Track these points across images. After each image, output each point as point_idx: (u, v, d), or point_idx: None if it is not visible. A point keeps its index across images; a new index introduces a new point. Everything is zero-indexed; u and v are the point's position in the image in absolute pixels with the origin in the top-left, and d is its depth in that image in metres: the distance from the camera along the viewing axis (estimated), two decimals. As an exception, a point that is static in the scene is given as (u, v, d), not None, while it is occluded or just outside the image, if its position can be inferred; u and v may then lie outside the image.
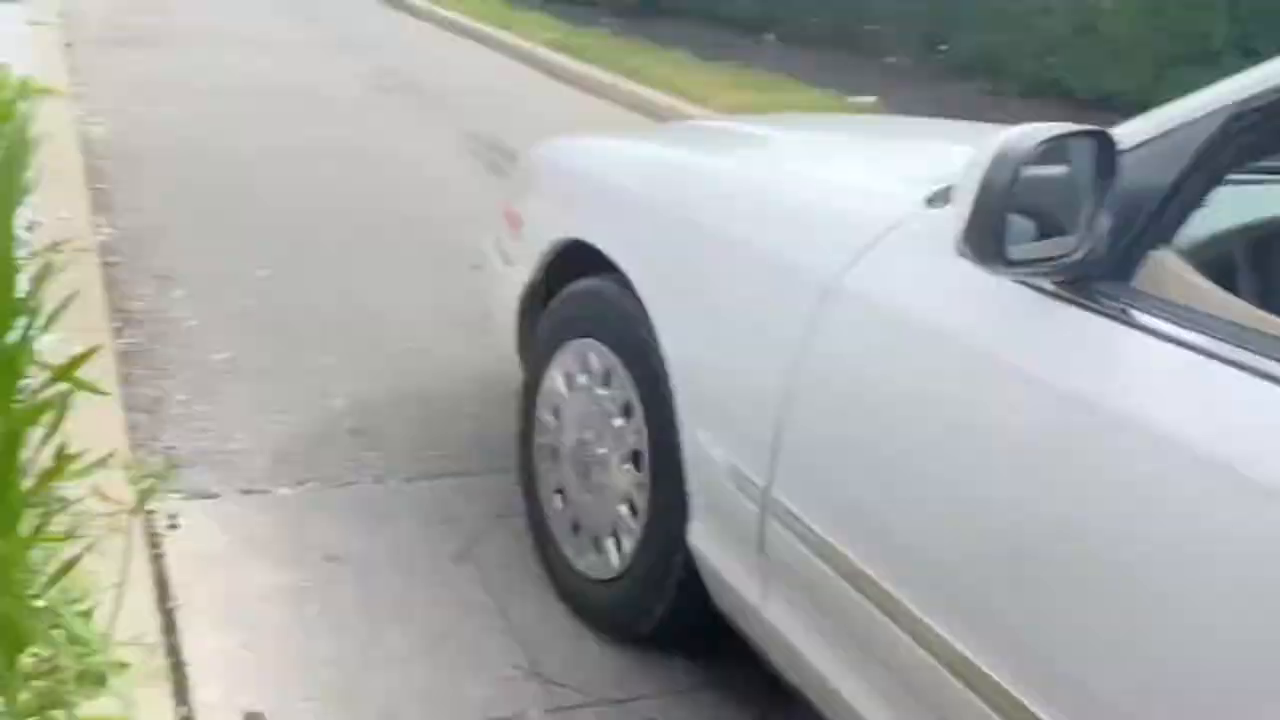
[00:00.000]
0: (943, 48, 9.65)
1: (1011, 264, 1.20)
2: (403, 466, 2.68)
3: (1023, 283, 1.29)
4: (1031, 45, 8.66)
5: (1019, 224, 1.26)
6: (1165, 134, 1.20)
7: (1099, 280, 1.22)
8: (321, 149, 5.81)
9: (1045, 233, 1.28)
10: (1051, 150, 1.20)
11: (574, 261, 2.22)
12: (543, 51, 9.81)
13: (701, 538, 1.82)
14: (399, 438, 2.82)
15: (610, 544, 2.07)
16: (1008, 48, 8.93)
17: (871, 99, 8.20)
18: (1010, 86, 8.73)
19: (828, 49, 10.43)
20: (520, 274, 2.44)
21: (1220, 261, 1.39)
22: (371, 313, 3.62)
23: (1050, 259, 1.21)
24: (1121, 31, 7.94)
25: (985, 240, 1.17)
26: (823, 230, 1.66)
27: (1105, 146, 1.20)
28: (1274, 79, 1.13)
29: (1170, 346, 1.14)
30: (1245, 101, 1.14)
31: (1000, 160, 1.15)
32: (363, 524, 2.43)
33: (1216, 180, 1.22)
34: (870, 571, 1.41)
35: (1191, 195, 1.21)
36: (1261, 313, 1.15)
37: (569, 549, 2.20)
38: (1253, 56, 1.16)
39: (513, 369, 2.53)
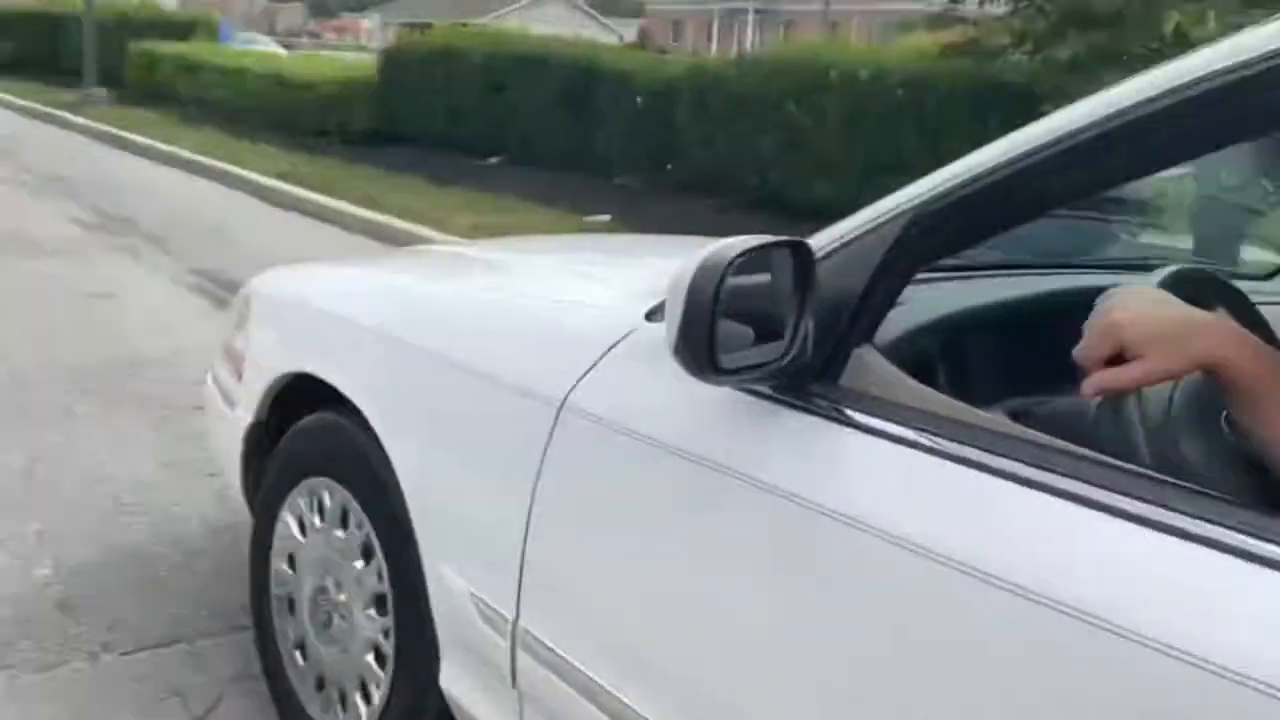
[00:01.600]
0: (669, 167, 10.11)
1: (724, 372, 1.22)
2: (121, 639, 2.43)
3: (744, 390, 1.31)
4: (751, 162, 9.20)
5: (738, 332, 1.29)
6: (854, 240, 1.26)
7: (811, 381, 1.26)
8: (32, 293, 5.39)
9: (763, 339, 1.30)
10: (753, 260, 1.23)
11: (301, 397, 2.11)
12: (273, 183, 9.60)
13: (453, 679, 1.72)
14: (117, 606, 2.56)
15: (358, 697, 1.94)
16: (730, 165, 9.44)
17: (606, 218, 8.45)
18: (736, 200, 9.21)
19: (558, 170, 10.72)
20: (243, 414, 2.30)
21: (918, 355, 1.47)
22: (86, 467, 3.33)
23: (763, 364, 1.24)
24: (826, 147, 8.58)
25: (696, 351, 1.19)
26: (550, 349, 1.64)
27: (803, 254, 1.25)
28: (944, 185, 1.21)
29: (875, 439, 1.19)
30: (921, 206, 1.22)
31: (704, 273, 1.18)
32: (71, 713, 2.16)
33: (905, 279, 1.29)
34: (625, 696, 1.37)
35: (884, 295, 1.27)
36: (953, 401, 1.21)
37: (314, 708, 2.04)
38: (942, 164, 1.24)
39: (245, 517, 2.37)
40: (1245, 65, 0.97)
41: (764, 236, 1.23)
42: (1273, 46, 0.97)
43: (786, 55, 9.84)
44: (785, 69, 9.16)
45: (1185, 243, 5.86)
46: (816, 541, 1.19)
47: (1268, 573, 0.89)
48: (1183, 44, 5.86)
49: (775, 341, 1.27)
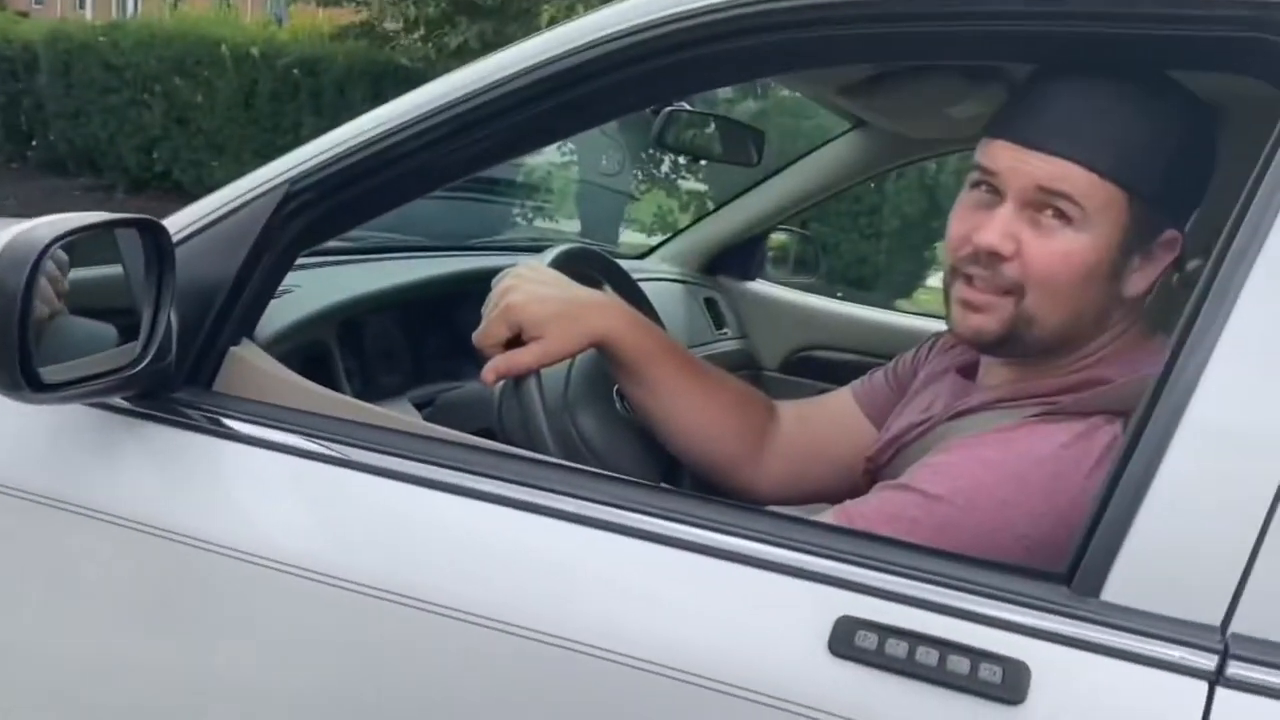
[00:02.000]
0: (34, 143, 8.97)
1: (49, 388, 0.97)
2: None
3: (97, 405, 1.07)
4: (133, 138, 8.45)
5: (99, 333, 1.06)
6: (221, 219, 1.09)
7: (177, 388, 1.06)
8: None
9: (131, 339, 1.08)
10: (94, 245, 1.01)
11: None
12: None
13: None
14: None
15: None
16: (107, 142, 8.60)
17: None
18: (117, 180, 8.42)
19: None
20: None
21: (310, 349, 1.33)
22: None
23: (112, 372, 1.02)
24: (217, 124, 8.10)
25: (6, 366, 0.92)
26: None
27: (157, 236, 1.04)
28: (323, 153, 1.08)
29: (258, 451, 1.03)
30: (299, 178, 1.07)
31: (8, 262, 0.91)
32: None
33: (287, 263, 1.14)
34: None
35: (262, 282, 1.10)
36: (350, 399, 1.09)
37: None
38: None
39: None
40: (605, 40, 0.99)
41: (96, 214, 1.00)
42: (633, 22, 0.98)
43: (170, 26, 9.10)
44: (169, 40, 8.47)
45: (573, 226, 6.33)
46: (198, 579, 1.01)
47: (660, 549, 0.89)
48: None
49: (130, 344, 1.06)
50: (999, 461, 0.98)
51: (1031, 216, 1.01)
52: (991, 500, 0.95)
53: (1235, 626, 0.75)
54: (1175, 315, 1.38)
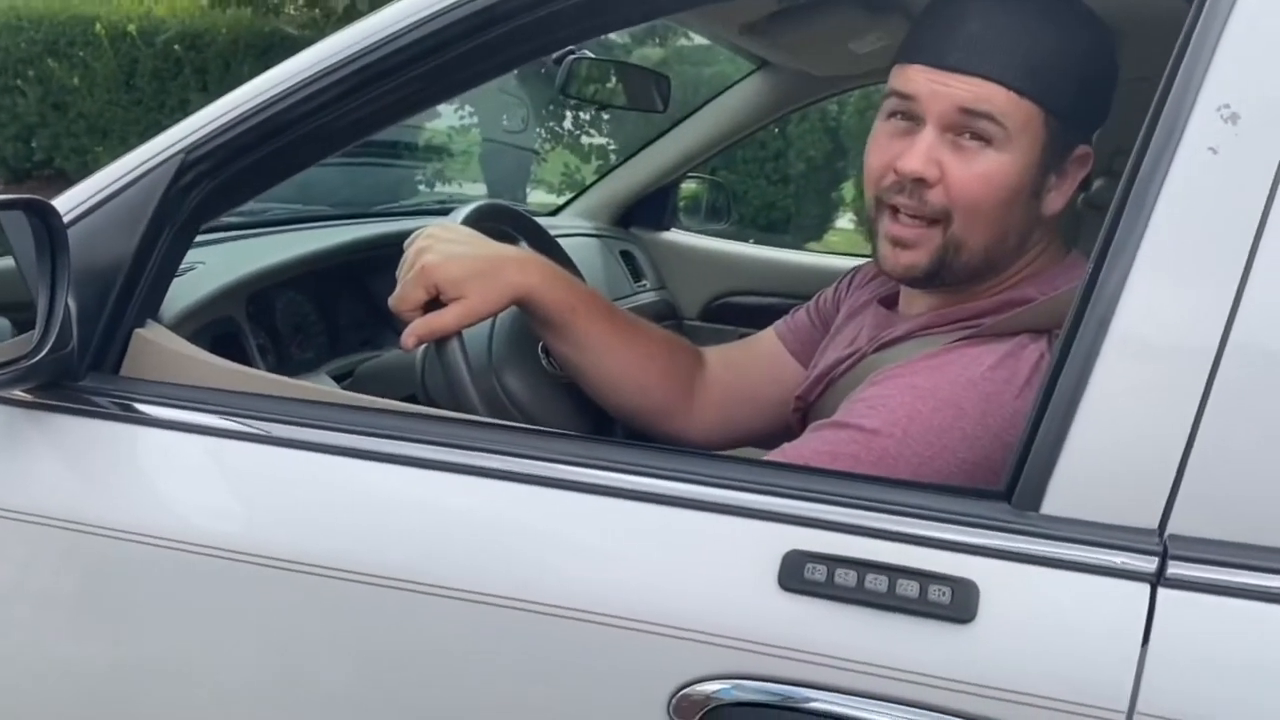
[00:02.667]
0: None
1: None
2: None
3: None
4: (8, 127, 8.10)
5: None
6: (114, 195, 1.03)
7: (82, 376, 1.01)
8: None
9: (27, 330, 1.02)
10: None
11: None
12: None
13: None
14: None
15: None
16: (-20, 131, 8.23)
17: None
18: (-6, 171, 8.07)
19: None
20: None
21: (220, 326, 1.28)
22: None
23: (10, 364, 0.96)
24: (98, 108, 7.79)
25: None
26: None
27: (45, 217, 0.98)
28: (219, 119, 1.03)
29: (173, 434, 0.99)
30: (194, 147, 1.02)
31: None
32: None
33: (188, 238, 1.09)
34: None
35: (164, 259, 1.05)
36: (265, 374, 1.06)
37: None
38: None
39: None
40: None
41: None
42: None
43: (38, 5, 8.69)
44: (38, 20, 8.09)
45: (479, 189, 6.24)
46: (123, 572, 0.97)
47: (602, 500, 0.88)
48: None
49: (27, 334, 1.00)
50: (930, 389, 0.98)
51: (952, 140, 1.01)
52: (927, 428, 0.96)
53: (1172, 528, 0.77)
54: (1078, 229, 1.42)
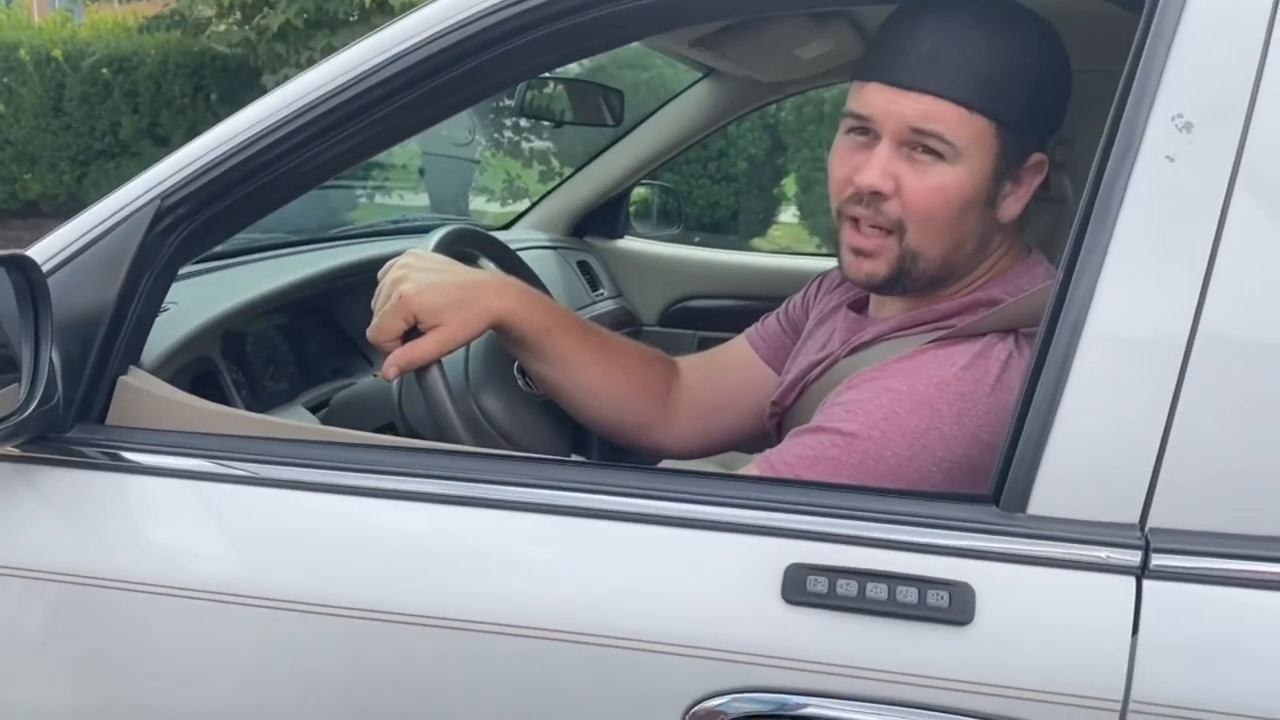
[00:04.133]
0: None
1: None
2: None
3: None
4: (-68, 160, 7.86)
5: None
6: (92, 243, 1.03)
7: (69, 427, 1.01)
8: None
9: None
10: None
11: None
12: None
13: None
14: None
15: None
16: (-97, 164, 7.97)
17: None
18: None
19: None
20: None
21: (200, 365, 1.28)
22: None
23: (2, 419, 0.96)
24: (26, 136, 7.62)
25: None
26: None
27: (26, 271, 0.98)
28: (196, 162, 1.03)
29: (163, 480, 1.00)
30: (168, 192, 1.02)
31: None
32: None
33: (167, 281, 1.09)
34: None
35: (145, 304, 1.05)
36: (248, 414, 1.06)
37: None
38: (165, 144, 1.05)
39: None
40: (480, 15, 0.98)
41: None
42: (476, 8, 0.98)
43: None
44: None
45: (421, 199, 6.20)
46: (120, 621, 0.96)
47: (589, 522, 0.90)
48: (385, 10, 6.11)
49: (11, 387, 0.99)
50: (906, 391, 1.01)
51: (907, 154, 1.05)
52: (905, 430, 0.99)
53: (1153, 521, 0.80)
54: (1041, 228, 1.46)
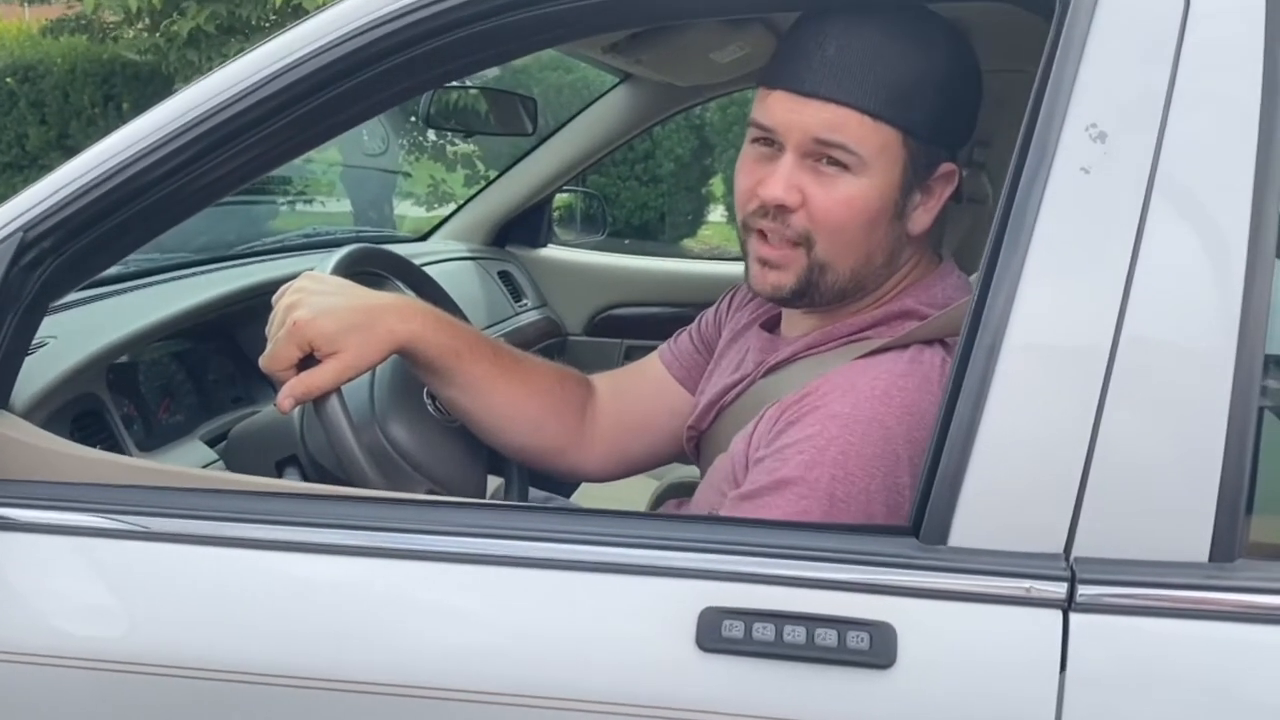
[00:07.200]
0: None
1: None
2: None
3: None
4: None
5: None
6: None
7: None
8: None
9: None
10: None
11: None
12: None
13: None
14: None
15: None
16: None
17: None
18: None
19: None
20: None
21: (82, 403, 1.20)
22: None
23: None
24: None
25: None
26: None
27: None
28: (64, 188, 0.96)
29: (37, 538, 0.92)
30: (31, 224, 0.95)
31: None
32: None
33: (37, 316, 1.01)
34: None
35: (12, 341, 0.97)
36: (134, 460, 0.99)
37: None
38: (75, 155, 0.98)
39: None
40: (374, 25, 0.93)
41: None
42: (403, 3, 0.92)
43: None
44: None
45: (343, 207, 6.08)
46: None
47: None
48: (300, 15, 5.98)
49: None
50: (851, 414, 0.95)
51: (812, 166, 1.01)
52: (861, 457, 0.93)
53: (1078, 550, 0.77)
54: (961, 227, 1.43)
